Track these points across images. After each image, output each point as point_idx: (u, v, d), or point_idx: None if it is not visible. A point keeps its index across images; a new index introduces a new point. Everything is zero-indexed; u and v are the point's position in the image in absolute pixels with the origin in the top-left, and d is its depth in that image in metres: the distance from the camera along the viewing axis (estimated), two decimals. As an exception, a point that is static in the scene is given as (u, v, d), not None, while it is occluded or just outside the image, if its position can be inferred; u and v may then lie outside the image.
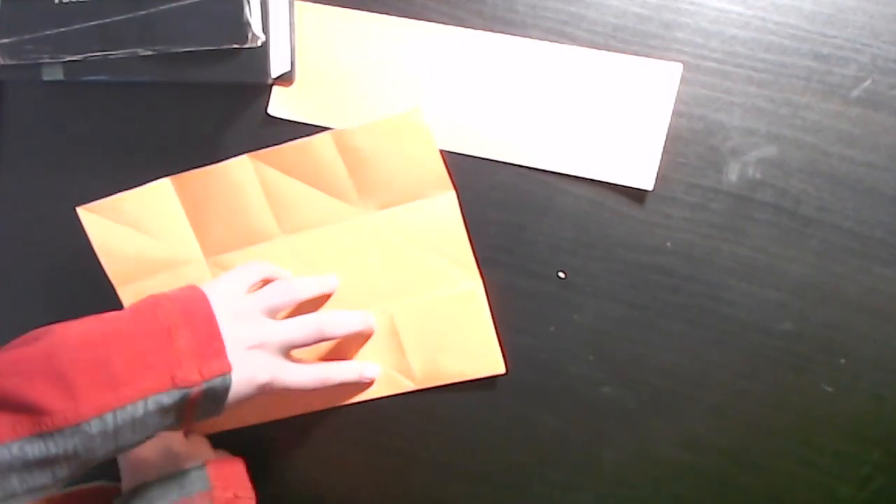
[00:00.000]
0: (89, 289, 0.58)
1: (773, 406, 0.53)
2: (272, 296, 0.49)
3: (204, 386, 0.42)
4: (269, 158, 0.53)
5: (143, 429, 0.41)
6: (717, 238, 0.52)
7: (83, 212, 0.54)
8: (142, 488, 0.48)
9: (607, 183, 0.52)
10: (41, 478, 0.39)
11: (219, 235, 0.54)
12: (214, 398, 0.44)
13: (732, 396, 0.53)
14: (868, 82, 0.51)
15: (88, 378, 0.40)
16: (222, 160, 0.55)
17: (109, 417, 0.40)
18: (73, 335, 0.42)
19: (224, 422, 0.54)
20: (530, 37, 0.53)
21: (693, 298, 0.53)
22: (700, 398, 0.53)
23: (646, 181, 0.52)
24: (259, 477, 0.54)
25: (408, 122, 0.52)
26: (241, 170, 0.54)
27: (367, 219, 0.54)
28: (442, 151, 0.53)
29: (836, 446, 0.52)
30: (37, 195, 0.58)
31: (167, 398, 0.41)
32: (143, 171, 0.57)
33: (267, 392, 0.47)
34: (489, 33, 0.53)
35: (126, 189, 0.56)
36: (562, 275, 0.53)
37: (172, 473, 0.49)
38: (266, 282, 0.52)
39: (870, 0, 0.51)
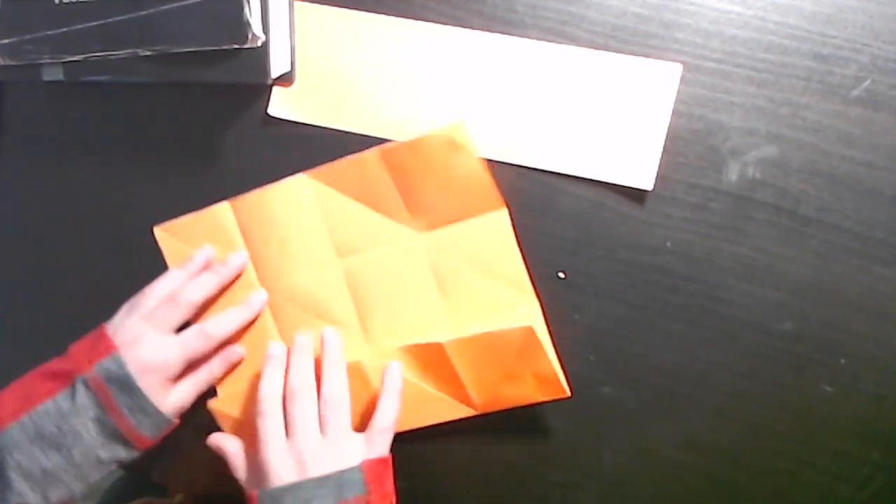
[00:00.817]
0: (89, 287, 0.58)
1: (773, 406, 0.53)
2: (160, 314, 0.51)
3: (96, 369, 0.47)
4: (324, 176, 0.53)
5: (66, 423, 0.46)
6: (717, 238, 0.52)
7: (161, 232, 0.55)
8: (293, 488, 0.47)
9: (607, 183, 0.52)
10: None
11: (275, 260, 0.54)
12: (121, 384, 0.47)
13: (732, 396, 0.53)
14: (868, 82, 0.51)
15: (10, 397, 0.48)
16: (222, 160, 0.55)
17: (26, 420, 0.46)
18: (12, 383, 0.49)
19: None
20: (530, 37, 0.53)
21: (693, 298, 0.53)
22: (700, 398, 0.53)
23: (646, 181, 0.52)
24: None
25: (451, 137, 0.51)
26: (298, 189, 0.53)
27: (420, 240, 0.53)
28: (490, 163, 0.52)
29: (836, 446, 0.52)
30: (37, 195, 0.58)
31: (71, 391, 0.47)
32: (143, 172, 0.57)
33: (169, 373, 0.50)
34: (489, 33, 0.53)
35: (124, 189, 0.56)
36: (562, 275, 0.53)
37: (329, 473, 0.47)
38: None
39: (870, 0, 0.51)
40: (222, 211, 0.54)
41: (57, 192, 0.58)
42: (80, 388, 0.47)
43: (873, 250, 0.52)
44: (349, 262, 0.54)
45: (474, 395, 0.53)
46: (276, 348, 0.52)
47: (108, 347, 0.48)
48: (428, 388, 0.53)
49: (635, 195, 0.53)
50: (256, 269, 0.54)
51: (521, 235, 0.53)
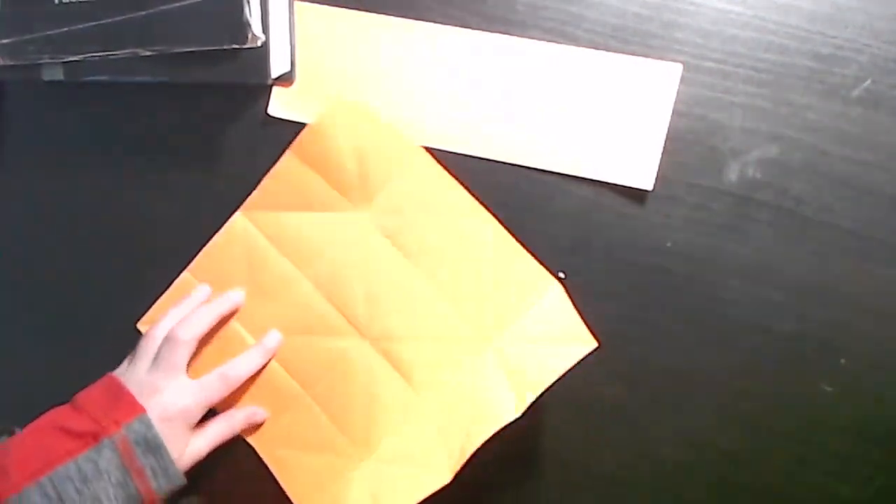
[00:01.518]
0: (89, 287, 0.58)
1: (773, 406, 0.53)
2: (164, 361, 0.50)
3: (124, 431, 0.46)
4: (256, 203, 0.54)
5: (88, 488, 0.45)
6: (718, 238, 0.52)
7: (144, 326, 0.55)
8: None
9: (607, 183, 0.52)
10: None
11: (252, 301, 0.54)
12: (148, 444, 0.46)
13: (732, 396, 0.53)
14: (868, 82, 0.51)
15: (27, 454, 0.46)
16: (222, 160, 0.55)
17: (46, 482, 0.44)
18: (22, 434, 0.47)
19: None
20: (530, 37, 0.53)
21: (693, 298, 0.53)
22: (700, 398, 0.53)
23: (646, 181, 0.52)
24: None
25: (345, 105, 0.52)
26: (239, 228, 0.54)
27: (365, 217, 0.53)
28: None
29: (837, 446, 0.52)
30: (37, 195, 0.58)
31: (96, 454, 0.46)
32: (143, 172, 0.57)
33: (190, 420, 0.49)
34: (489, 33, 0.53)
35: (124, 190, 0.56)
36: (562, 275, 0.53)
37: None
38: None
39: (870, 0, 0.51)
40: (187, 280, 0.55)
41: (57, 192, 0.58)
42: (106, 452, 0.46)
43: (873, 250, 0.51)
44: (312, 271, 0.54)
45: (483, 323, 0.53)
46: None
47: (134, 408, 0.47)
48: (435, 342, 0.53)
49: (635, 195, 0.53)
50: (239, 317, 0.54)
51: (521, 235, 0.53)
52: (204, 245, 0.55)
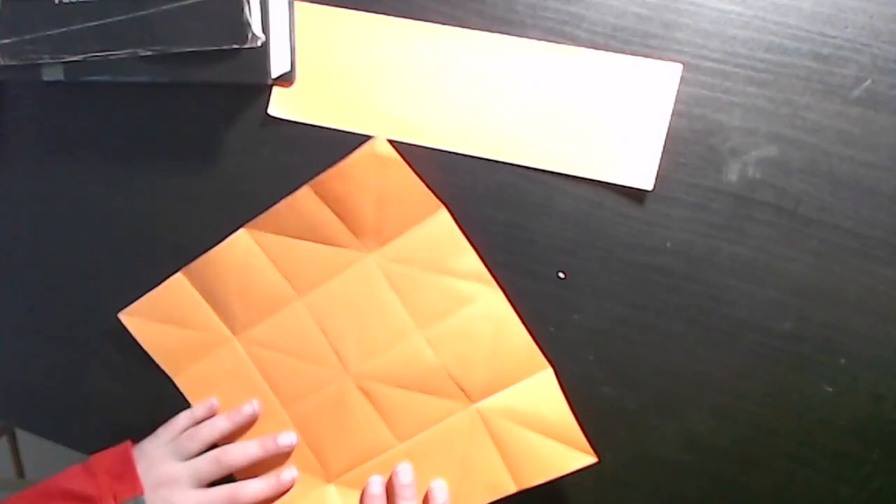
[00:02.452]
0: (89, 287, 0.58)
1: (772, 406, 0.53)
2: (182, 445, 0.53)
3: None
4: (263, 224, 0.54)
5: None
6: (717, 238, 0.52)
7: (126, 317, 0.55)
8: None
9: (607, 183, 0.52)
10: None
11: (241, 312, 0.55)
12: None
13: (732, 396, 0.53)
14: (868, 82, 0.51)
15: None
16: (222, 160, 0.55)
17: None
18: (35, 488, 0.50)
19: None
20: (530, 37, 0.53)
21: (693, 298, 0.53)
22: (700, 398, 0.53)
23: (646, 181, 0.52)
24: None
25: (375, 154, 0.52)
26: (241, 244, 0.54)
27: (371, 259, 0.53)
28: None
29: (836, 446, 0.52)
30: (37, 195, 0.58)
31: None
32: (143, 172, 0.57)
33: None
34: (489, 33, 0.53)
35: (124, 190, 0.56)
36: (562, 275, 0.53)
37: None
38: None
39: (870, 0, 0.51)
40: (178, 282, 0.55)
41: (57, 192, 0.58)
42: None
43: (873, 250, 0.51)
44: (310, 297, 0.54)
45: (468, 386, 0.53)
46: (375, 486, 0.53)
47: (135, 488, 0.50)
48: (417, 394, 0.54)
49: (635, 195, 0.53)
50: (227, 325, 0.55)
51: (521, 235, 0.53)
52: (203, 244, 0.55)
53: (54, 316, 0.58)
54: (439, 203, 0.53)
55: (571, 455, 0.52)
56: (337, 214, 0.53)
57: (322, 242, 0.54)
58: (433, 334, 0.53)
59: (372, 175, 0.52)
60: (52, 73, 0.54)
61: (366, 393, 0.54)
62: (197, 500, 0.51)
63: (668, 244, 0.53)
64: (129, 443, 0.53)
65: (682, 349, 0.53)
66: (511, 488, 0.52)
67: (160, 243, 0.57)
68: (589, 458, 0.52)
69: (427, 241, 0.53)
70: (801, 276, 0.52)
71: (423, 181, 0.52)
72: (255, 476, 0.54)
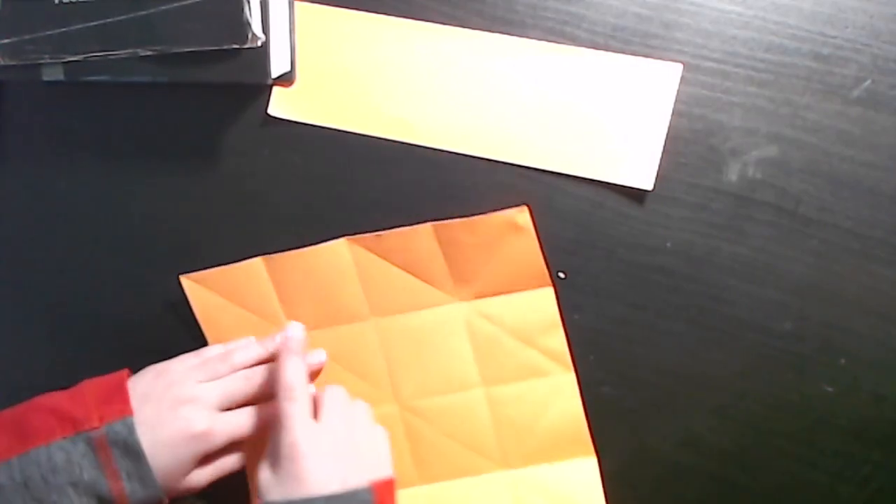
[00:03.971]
0: (88, 288, 0.58)
1: (773, 406, 0.53)
2: (211, 366, 0.50)
3: (104, 429, 0.44)
4: (367, 243, 0.53)
5: (55, 478, 0.43)
6: (717, 238, 0.52)
7: (186, 281, 0.54)
8: (302, 503, 0.44)
9: (607, 183, 0.52)
10: None
11: (308, 313, 0.54)
12: (127, 448, 0.44)
13: (732, 396, 0.53)
14: (868, 82, 0.51)
15: (6, 432, 0.44)
16: (222, 160, 0.55)
17: (15, 463, 0.43)
18: (17, 407, 0.47)
19: None
20: (530, 37, 0.53)
21: (693, 298, 0.53)
22: (700, 398, 0.53)
23: (646, 181, 0.52)
24: None
25: (513, 221, 0.52)
26: (336, 253, 0.53)
27: (460, 307, 0.53)
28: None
29: (837, 446, 0.52)
30: (37, 195, 0.58)
31: (70, 444, 0.44)
32: (143, 172, 0.57)
33: (211, 447, 0.47)
34: (489, 33, 0.53)
35: (124, 190, 0.56)
36: (562, 275, 0.53)
37: (338, 492, 0.44)
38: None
39: (870, 0, 0.51)
40: (255, 266, 0.54)
41: (56, 192, 0.58)
42: (81, 445, 0.44)
43: (874, 250, 0.51)
44: (384, 321, 0.53)
45: (510, 451, 0.54)
46: (296, 329, 0.51)
47: (123, 409, 0.46)
48: (457, 444, 0.54)
49: (635, 195, 0.53)
50: (288, 318, 0.54)
51: (522, 235, 0.53)
52: (204, 244, 0.55)
53: (54, 315, 0.58)
54: (549, 280, 0.53)
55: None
56: (446, 258, 0.53)
57: (417, 277, 0.53)
58: (495, 394, 0.53)
59: (500, 238, 0.52)
60: (52, 73, 0.54)
61: (407, 426, 0.54)
62: (223, 419, 0.48)
63: (669, 244, 0.53)
64: (125, 370, 0.49)
65: (682, 349, 0.53)
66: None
67: (160, 243, 0.56)
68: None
69: (523, 310, 0.53)
70: (802, 276, 0.52)
71: (542, 252, 0.52)
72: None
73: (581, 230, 0.53)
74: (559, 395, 0.53)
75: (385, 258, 0.53)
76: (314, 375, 0.53)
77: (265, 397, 0.49)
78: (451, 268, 0.53)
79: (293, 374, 0.47)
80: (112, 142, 0.57)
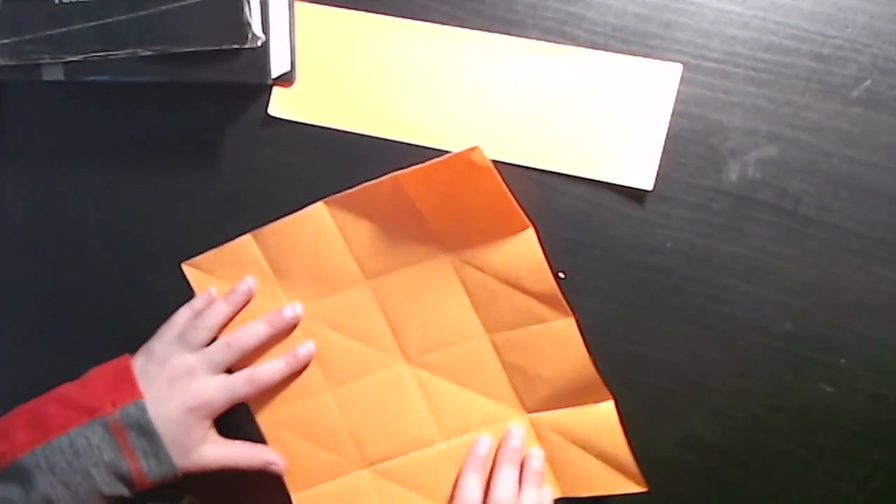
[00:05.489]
0: (87, 287, 0.58)
1: (772, 406, 0.53)
2: (187, 337, 0.52)
3: (118, 413, 0.48)
4: (342, 202, 0.53)
5: (78, 462, 0.47)
6: (717, 238, 0.52)
7: (188, 268, 0.54)
8: None
9: (607, 183, 0.52)
10: None
11: (304, 285, 0.54)
12: (141, 429, 0.48)
13: (732, 396, 0.53)
14: (868, 82, 0.51)
15: (24, 427, 0.48)
16: (222, 160, 0.55)
17: (39, 452, 0.47)
18: (31, 403, 0.50)
19: None
20: (530, 37, 0.53)
21: (693, 298, 0.53)
22: (700, 398, 0.53)
23: (646, 181, 0.52)
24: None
25: (469, 160, 0.51)
26: (318, 218, 0.53)
27: (447, 258, 0.53)
28: (507, 185, 0.52)
29: (836, 446, 0.52)
30: (36, 195, 0.58)
31: (89, 430, 0.47)
32: (142, 172, 0.57)
33: (214, 411, 0.50)
34: (489, 33, 0.53)
35: (123, 190, 0.56)
36: (562, 275, 0.53)
37: None
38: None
39: (870, 0, 0.51)
40: (246, 243, 0.54)
41: (56, 192, 0.58)
42: (99, 430, 0.48)
43: (874, 250, 0.51)
44: (377, 282, 0.53)
45: (526, 396, 0.53)
46: (483, 446, 0.52)
47: (133, 392, 0.49)
48: (473, 393, 0.53)
49: (635, 195, 0.53)
50: (285, 294, 0.54)
51: (521, 235, 0.53)
52: (204, 244, 0.55)
53: (53, 316, 0.58)
54: (528, 222, 0.52)
55: (620, 479, 0.52)
56: (419, 210, 0.52)
57: (398, 232, 0.53)
58: (500, 340, 0.53)
59: (462, 180, 0.51)
60: (52, 73, 0.54)
61: (421, 383, 0.53)
62: (216, 384, 0.51)
63: (668, 244, 0.53)
64: (127, 355, 0.52)
65: (682, 349, 0.53)
66: (555, 493, 0.53)
67: (160, 243, 0.56)
68: (639, 488, 0.52)
69: (508, 257, 0.52)
70: (801, 275, 0.52)
71: (515, 197, 0.52)
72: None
73: (581, 230, 0.53)
74: (561, 342, 0.52)
75: (364, 217, 0.53)
76: (302, 363, 0.53)
77: (250, 359, 0.52)
78: (426, 218, 0.52)
79: (470, 491, 0.51)
80: (112, 142, 0.57)
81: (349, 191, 0.53)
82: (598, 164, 0.52)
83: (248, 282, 0.54)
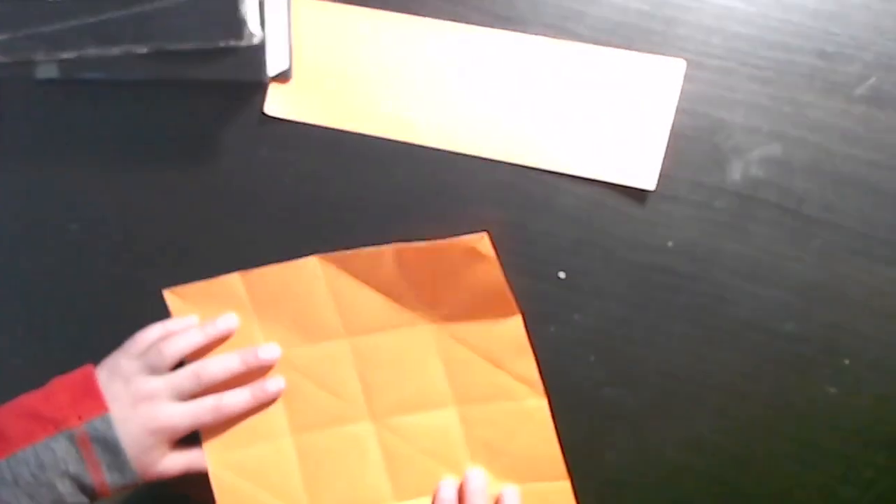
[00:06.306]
0: (84, 288, 0.57)
1: (775, 407, 0.52)
2: (151, 358, 0.51)
3: (84, 426, 0.48)
4: (337, 261, 0.53)
5: (43, 474, 0.47)
6: (720, 237, 0.52)
7: (169, 295, 0.54)
8: None
9: (609, 182, 0.52)
10: None
11: (284, 332, 0.54)
12: (106, 444, 0.48)
13: (734, 397, 0.53)
14: (872, 80, 0.51)
15: None
16: (218, 158, 0.54)
17: (3, 464, 0.46)
18: None
19: None
20: (531, 33, 0.52)
21: (695, 298, 0.52)
22: (702, 399, 0.53)
23: (648, 181, 0.52)
24: None
25: (473, 248, 0.51)
26: (309, 270, 0.53)
27: (431, 329, 0.53)
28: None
29: (840, 448, 0.52)
30: (31, 193, 0.58)
31: (55, 443, 0.47)
32: (138, 170, 0.56)
33: (176, 435, 0.50)
34: (489, 29, 0.53)
35: (119, 188, 0.55)
36: (562, 275, 0.53)
37: None
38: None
39: (874, -3, 0.50)
40: (233, 281, 0.54)
41: (51, 190, 0.57)
42: (64, 443, 0.48)
43: (877, 250, 0.51)
44: (357, 340, 0.53)
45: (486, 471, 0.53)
46: (447, 490, 0.52)
47: (98, 406, 0.49)
48: (433, 461, 0.53)
49: (637, 194, 0.52)
50: (263, 336, 0.54)
51: (521, 235, 0.53)
52: (200, 243, 0.55)
53: (52, 316, 0.58)
54: (517, 310, 0.52)
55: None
56: (412, 283, 0.53)
57: (387, 298, 0.53)
58: (469, 414, 0.53)
59: (462, 263, 0.52)
60: (47, 71, 0.53)
61: (382, 443, 0.53)
62: (181, 412, 0.50)
63: (671, 243, 0.52)
64: (90, 365, 0.51)
65: (684, 349, 0.53)
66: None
67: (155, 241, 0.56)
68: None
69: (493, 336, 0.53)
70: (805, 275, 0.52)
71: (512, 290, 0.52)
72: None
73: (582, 230, 0.53)
74: (531, 420, 0.53)
75: (356, 277, 0.53)
76: (270, 398, 0.53)
77: (215, 389, 0.52)
78: (417, 292, 0.53)
79: None
80: (107, 140, 0.57)
81: (346, 252, 0.53)
82: (599, 163, 0.52)
83: (231, 318, 0.53)
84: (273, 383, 0.53)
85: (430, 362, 0.53)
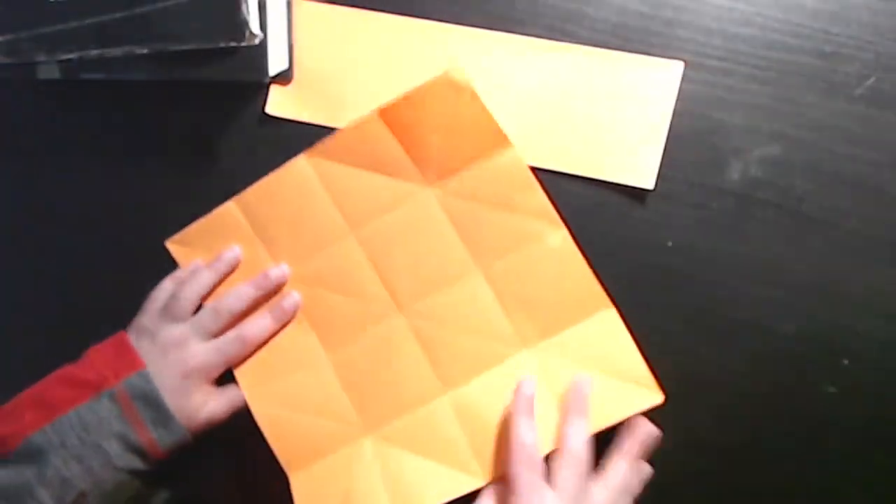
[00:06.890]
0: (85, 288, 0.57)
1: (775, 407, 0.52)
2: (171, 309, 0.52)
3: (123, 384, 0.48)
4: (325, 151, 0.52)
5: (89, 436, 0.47)
6: (719, 237, 0.52)
7: (172, 245, 0.54)
8: None
9: (607, 182, 0.52)
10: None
11: (290, 248, 0.53)
12: (147, 399, 0.48)
13: (734, 397, 0.53)
14: (872, 80, 0.51)
15: (30, 409, 0.48)
16: (219, 159, 0.54)
17: (48, 429, 0.47)
18: (33, 387, 0.50)
19: None
20: (530, 35, 0.52)
21: (694, 299, 0.52)
22: (701, 399, 0.53)
23: (647, 181, 0.52)
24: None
25: (451, 80, 0.50)
26: (300, 172, 0.53)
27: (431, 193, 0.52)
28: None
29: (839, 448, 0.52)
30: (32, 194, 0.58)
31: (97, 405, 0.48)
32: (139, 170, 0.56)
33: (212, 375, 0.51)
34: (488, 31, 0.53)
35: (120, 188, 0.55)
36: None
37: None
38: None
39: (874, -3, 0.50)
40: (230, 210, 0.53)
41: (52, 191, 0.57)
42: (106, 403, 0.48)
43: (877, 250, 0.51)
44: (363, 232, 0.53)
45: (526, 328, 0.52)
46: (529, 386, 0.49)
47: (134, 363, 0.49)
48: (472, 336, 0.52)
49: (636, 194, 0.52)
50: (274, 260, 0.53)
51: (521, 235, 0.53)
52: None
53: (52, 315, 0.58)
54: (510, 142, 0.51)
55: (635, 395, 0.50)
56: (402, 144, 0.51)
57: (383, 173, 0.52)
58: (493, 273, 0.52)
59: (444, 103, 0.51)
60: (48, 72, 0.53)
61: (417, 333, 0.52)
62: (207, 349, 0.51)
63: (670, 244, 0.52)
64: (121, 332, 0.52)
65: (683, 349, 0.53)
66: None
67: (157, 242, 0.56)
68: (655, 397, 0.50)
69: (493, 176, 0.51)
70: (804, 275, 0.52)
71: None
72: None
73: (581, 229, 0.53)
74: (557, 258, 0.51)
75: (345, 162, 0.52)
76: (289, 315, 0.53)
77: (237, 321, 0.52)
78: (409, 152, 0.52)
79: (526, 435, 0.47)
80: (108, 140, 0.57)
81: (331, 136, 0.52)
82: (598, 163, 0.52)
83: (234, 250, 0.53)
84: (288, 300, 0.53)
85: (440, 230, 0.52)
